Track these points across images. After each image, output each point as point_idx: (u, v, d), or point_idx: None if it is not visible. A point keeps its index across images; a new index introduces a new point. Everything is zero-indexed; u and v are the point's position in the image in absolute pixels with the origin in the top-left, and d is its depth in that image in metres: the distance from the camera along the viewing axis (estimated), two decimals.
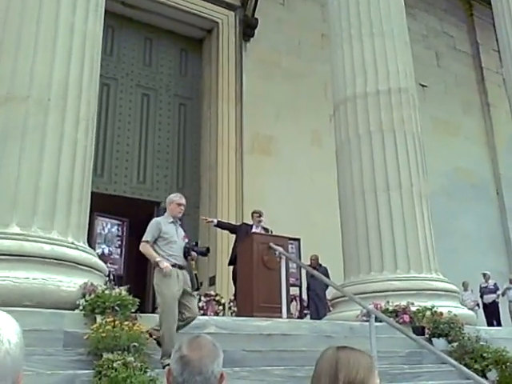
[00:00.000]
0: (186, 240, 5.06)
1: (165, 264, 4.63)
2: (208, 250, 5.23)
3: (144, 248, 4.85)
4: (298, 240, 9.65)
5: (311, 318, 9.13)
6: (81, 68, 6.22)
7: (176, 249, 4.83)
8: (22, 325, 3.54)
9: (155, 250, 4.81)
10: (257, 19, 13.20)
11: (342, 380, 1.39)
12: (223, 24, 13.09)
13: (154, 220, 5.04)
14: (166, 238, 4.82)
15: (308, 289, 9.59)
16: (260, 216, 7.60)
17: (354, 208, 8.10)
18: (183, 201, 5.09)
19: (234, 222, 8.81)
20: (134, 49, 12.59)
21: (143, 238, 4.88)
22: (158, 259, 4.70)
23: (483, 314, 12.14)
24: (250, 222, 7.86)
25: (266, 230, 7.39)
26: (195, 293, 5.19)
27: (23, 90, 5.77)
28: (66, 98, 5.99)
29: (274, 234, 7.35)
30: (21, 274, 4.98)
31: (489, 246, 14.63)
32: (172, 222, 4.98)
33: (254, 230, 7.42)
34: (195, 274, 4.94)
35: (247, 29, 13.21)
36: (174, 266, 4.72)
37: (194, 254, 4.91)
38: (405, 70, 8.67)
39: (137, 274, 11.93)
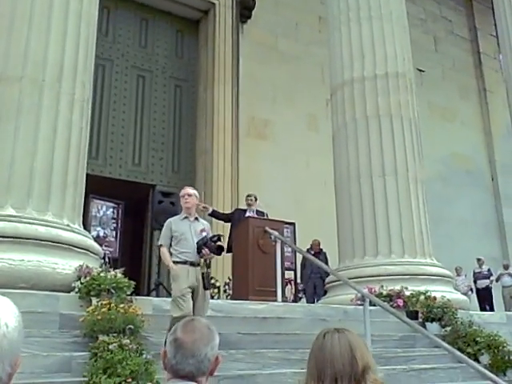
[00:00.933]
0: (204, 234, 4.79)
1: (170, 265, 4.61)
2: (219, 239, 4.75)
3: (160, 252, 4.83)
4: (293, 224, 9.65)
5: (307, 302, 9.18)
6: (76, 49, 6.16)
7: (188, 245, 4.67)
8: (17, 307, 3.53)
9: (170, 251, 4.74)
10: (254, 1, 13.05)
11: (360, 359, 1.43)
12: (220, 5, 12.93)
13: (167, 221, 4.92)
14: (176, 237, 4.72)
15: (311, 272, 9.60)
16: (253, 200, 7.56)
17: (349, 193, 8.11)
18: (185, 191, 4.93)
19: (227, 212, 8.73)
20: (129, 30, 12.44)
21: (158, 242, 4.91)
22: (167, 263, 4.68)
23: (476, 298, 12.25)
24: (244, 207, 7.84)
25: (261, 213, 7.38)
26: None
27: (17, 70, 5.71)
28: (61, 78, 5.94)
29: (269, 218, 7.34)
30: (16, 256, 4.98)
31: (483, 232, 14.70)
32: (185, 217, 4.84)
33: (247, 214, 7.41)
34: (203, 274, 4.62)
35: (244, 10, 13.06)
36: (185, 262, 4.62)
37: (205, 250, 4.62)
38: (403, 54, 8.62)
39: (132, 256, 11.95)
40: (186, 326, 1.58)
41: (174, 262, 4.62)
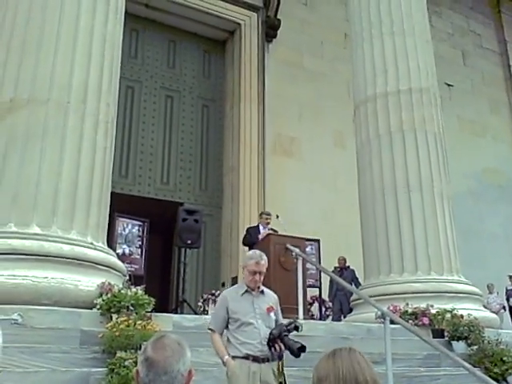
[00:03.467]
0: (273, 315, 3.58)
1: (225, 359, 3.40)
2: (297, 328, 3.54)
3: (211, 340, 3.58)
4: (318, 241, 9.61)
5: (333, 320, 9.10)
6: (100, 71, 6.33)
7: (252, 334, 3.43)
8: (40, 323, 3.64)
9: (228, 338, 3.53)
10: (279, 20, 13.20)
11: (370, 377, 1.41)
12: (245, 25, 13.14)
13: (221, 295, 3.80)
14: (236, 320, 3.47)
15: (336, 289, 9.55)
16: (269, 217, 7.58)
17: (373, 209, 8.04)
18: (261, 266, 3.57)
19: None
20: (157, 51, 12.74)
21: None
22: (220, 355, 3.47)
23: (510, 316, 11.90)
24: (254, 225, 7.85)
25: (274, 231, 7.39)
26: None
27: (44, 93, 5.90)
28: (86, 100, 6.10)
29: (291, 234, 7.33)
30: (40, 274, 5.10)
31: None
32: (246, 291, 3.56)
33: (261, 230, 7.42)
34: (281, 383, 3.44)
35: (269, 30, 13.22)
36: (246, 358, 3.38)
37: (278, 346, 3.42)
38: (426, 68, 8.56)
39: (160, 273, 12.09)
40: (155, 344, 1.58)
41: (231, 357, 3.40)
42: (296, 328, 3.51)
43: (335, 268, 9.68)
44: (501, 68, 16.55)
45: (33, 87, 5.89)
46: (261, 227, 7.55)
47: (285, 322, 3.61)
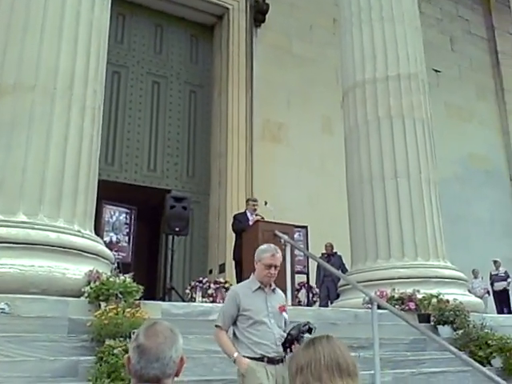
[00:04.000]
0: (285, 314, 3.42)
1: (238, 359, 3.17)
2: (310, 330, 3.30)
3: (216, 337, 3.35)
4: (306, 228, 9.64)
5: (320, 306, 9.17)
6: (87, 57, 6.25)
7: (265, 333, 3.24)
8: (28, 312, 3.62)
9: (235, 335, 3.30)
10: (268, 4, 13.09)
11: (350, 361, 1.44)
12: (234, 10, 13.01)
13: (230, 290, 3.60)
14: (248, 317, 3.25)
15: (324, 275, 9.62)
16: (255, 203, 7.60)
17: (361, 195, 8.08)
18: (277, 259, 3.40)
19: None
20: (144, 36, 12.59)
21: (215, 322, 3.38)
22: (229, 353, 3.25)
23: (494, 301, 12.08)
24: (241, 211, 7.86)
25: (261, 217, 7.42)
26: None
27: (30, 79, 5.82)
28: (73, 86, 6.03)
29: (279, 221, 7.36)
30: (27, 262, 5.07)
31: (502, 233, 14.48)
32: (259, 288, 3.36)
33: (249, 217, 7.43)
34: None
35: (258, 14, 13.11)
36: (260, 359, 3.19)
37: (295, 347, 3.19)
38: (415, 55, 8.56)
39: (147, 260, 12.08)
40: (148, 331, 1.58)
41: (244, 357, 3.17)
42: (310, 330, 3.31)
43: (322, 254, 9.73)
44: (488, 54, 16.60)
45: (19, 73, 5.81)
46: (248, 214, 7.56)
47: (297, 322, 3.45)
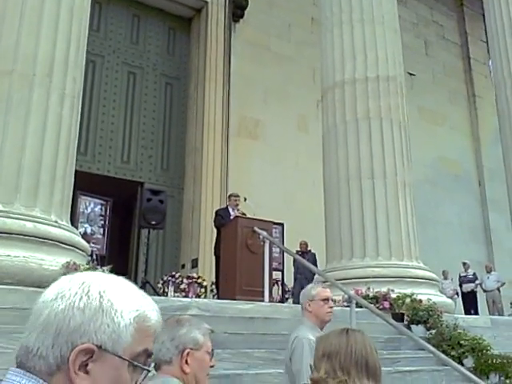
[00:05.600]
0: None
1: None
2: None
3: None
4: (282, 225, 9.67)
5: (293, 303, 9.20)
6: (67, 44, 6.11)
7: None
8: (3, 302, 3.49)
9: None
10: (247, 0, 13.05)
11: (378, 364, 1.45)
12: (212, 4, 12.92)
13: (302, 340, 2.84)
14: None
15: (297, 272, 9.65)
16: (237, 198, 7.58)
17: (338, 194, 8.13)
18: (330, 291, 3.16)
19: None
20: (121, 26, 12.39)
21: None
22: None
23: (462, 302, 12.35)
24: (223, 207, 7.80)
25: (243, 214, 7.41)
26: None
27: (7, 64, 5.65)
28: (52, 74, 5.88)
29: (258, 218, 7.35)
30: (2, 252, 4.93)
31: (470, 236, 14.84)
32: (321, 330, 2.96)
33: (231, 212, 7.42)
34: None
35: (237, 9, 13.06)
36: None
37: None
38: (394, 57, 8.66)
39: (120, 253, 11.90)
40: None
41: None
42: None
43: (297, 252, 9.76)
44: (461, 60, 16.95)
45: None
46: (230, 209, 7.53)
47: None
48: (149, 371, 0.80)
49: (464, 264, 12.59)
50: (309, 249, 9.88)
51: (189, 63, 13.00)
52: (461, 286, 12.49)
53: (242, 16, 13.18)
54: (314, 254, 9.70)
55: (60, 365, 0.76)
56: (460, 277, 12.60)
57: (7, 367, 2.74)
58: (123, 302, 0.80)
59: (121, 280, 0.84)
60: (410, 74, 14.63)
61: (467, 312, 11.61)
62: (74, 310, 0.78)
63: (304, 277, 9.31)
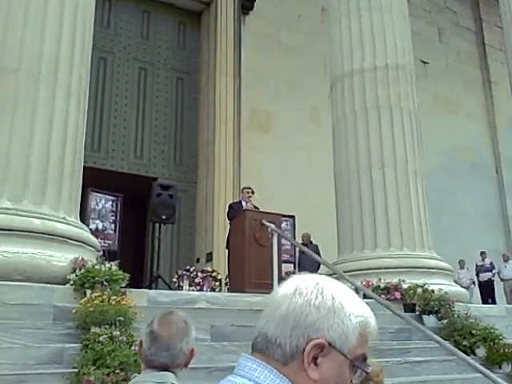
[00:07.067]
0: None
1: None
2: None
3: None
4: (293, 217, 9.63)
5: None
6: (72, 41, 6.15)
7: None
8: (13, 298, 3.54)
9: None
10: None
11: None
12: None
13: None
14: None
15: (298, 265, 9.62)
16: (251, 192, 7.56)
17: (348, 185, 8.08)
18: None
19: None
20: (131, 22, 12.43)
21: None
22: None
23: (479, 292, 12.21)
24: (236, 201, 7.78)
25: (255, 207, 7.40)
26: None
27: (13, 62, 5.71)
28: (57, 71, 5.93)
29: (267, 210, 7.34)
30: (11, 249, 5.00)
31: (487, 225, 14.62)
32: None
33: (244, 205, 7.41)
34: None
35: (246, 2, 13.01)
36: None
37: None
38: (403, 45, 8.55)
39: (134, 248, 12.01)
40: (163, 319, 1.64)
41: None
42: None
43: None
44: (475, 46, 16.65)
45: (2, 56, 5.70)
46: (243, 202, 7.53)
47: None
48: (367, 373, 0.85)
49: (481, 253, 12.43)
50: (311, 240, 9.80)
51: (199, 57, 13.00)
52: (478, 275, 12.34)
53: (251, 8, 13.12)
54: (316, 246, 9.61)
55: (295, 355, 0.82)
56: (477, 266, 12.45)
57: (14, 362, 2.78)
58: (351, 306, 0.86)
59: (346, 287, 0.90)
60: (424, 63, 14.44)
61: (485, 302, 11.46)
62: (311, 306, 0.84)
63: (304, 270, 9.25)
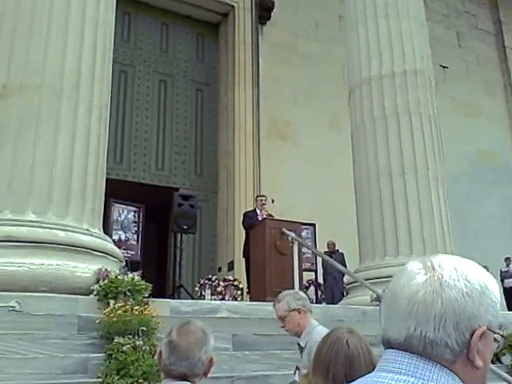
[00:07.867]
0: None
1: None
2: None
3: None
4: (314, 225, 9.63)
5: (326, 303, 9.16)
6: (93, 56, 6.27)
7: None
8: (38, 309, 3.63)
9: None
10: (273, 2, 13.10)
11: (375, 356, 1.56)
12: (239, 7, 13.02)
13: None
14: None
15: (325, 272, 9.61)
16: (264, 200, 7.61)
17: (369, 192, 8.05)
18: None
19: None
20: (150, 35, 12.63)
21: None
22: None
23: (504, 298, 12.01)
24: (251, 209, 7.84)
25: (270, 215, 7.43)
26: None
27: (36, 79, 5.84)
28: (79, 86, 6.05)
29: (286, 219, 7.37)
30: (36, 261, 5.09)
31: (511, 230, 14.40)
32: None
33: (258, 213, 7.45)
34: None
35: (263, 12, 13.12)
36: None
37: None
38: (421, 51, 8.52)
39: (156, 258, 12.13)
40: (181, 329, 1.65)
41: None
42: None
43: (325, 253, 9.71)
44: (495, 49, 16.48)
45: (25, 73, 5.83)
46: (258, 210, 7.58)
47: None
48: (505, 338, 0.89)
49: (506, 259, 12.24)
50: (336, 249, 9.79)
51: (218, 68, 13.13)
52: (502, 281, 12.14)
53: (268, 18, 13.22)
54: (342, 254, 9.61)
55: (462, 349, 0.81)
56: (501, 272, 12.26)
57: (41, 372, 2.86)
58: (489, 281, 0.85)
59: (472, 261, 0.88)
60: (443, 67, 14.35)
61: (510, 308, 11.27)
62: (465, 296, 0.82)
63: (332, 276, 9.26)
